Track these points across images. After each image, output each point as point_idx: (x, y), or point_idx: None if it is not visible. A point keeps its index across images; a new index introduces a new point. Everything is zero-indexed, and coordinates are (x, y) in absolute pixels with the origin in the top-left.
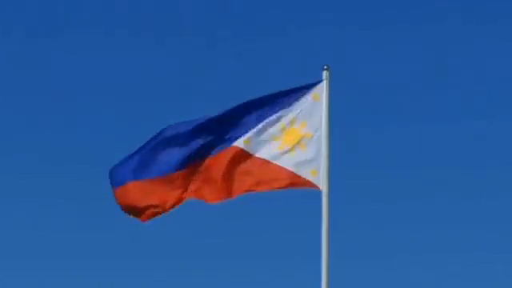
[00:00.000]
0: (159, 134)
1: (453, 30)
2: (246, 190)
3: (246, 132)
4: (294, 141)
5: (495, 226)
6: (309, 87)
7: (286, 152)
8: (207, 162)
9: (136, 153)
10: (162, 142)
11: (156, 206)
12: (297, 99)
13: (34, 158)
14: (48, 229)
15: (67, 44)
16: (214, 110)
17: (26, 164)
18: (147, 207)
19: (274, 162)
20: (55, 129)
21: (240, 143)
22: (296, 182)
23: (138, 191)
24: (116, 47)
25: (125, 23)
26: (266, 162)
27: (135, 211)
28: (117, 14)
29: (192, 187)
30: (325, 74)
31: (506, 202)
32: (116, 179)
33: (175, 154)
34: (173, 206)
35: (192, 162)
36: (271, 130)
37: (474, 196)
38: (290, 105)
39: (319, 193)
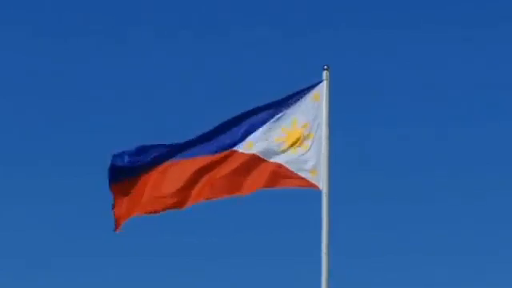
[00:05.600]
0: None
1: (452, 31)
2: (246, 189)
3: (249, 134)
4: (295, 141)
5: (495, 228)
6: (309, 88)
7: (287, 152)
8: (207, 161)
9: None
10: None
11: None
12: (297, 100)
13: (34, 158)
14: (48, 229)
15: (68, 45)
16: (213, 110)
17: (26, 164)
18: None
19: (275, 162)
20: (54, 129)
21: (242, 145)
22: (296, 181)
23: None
24: (116, 47)
25: (125, 22)
26: (266, 162)
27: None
28: (116, 13)
29: (185, 193)
30: (325, 74)
31: (505, 203)
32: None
33: (173, 151)
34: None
35: (188, 158)
36: (272, 131)
37: (475, 197)
38: (290, 105)
39: (319, 193)
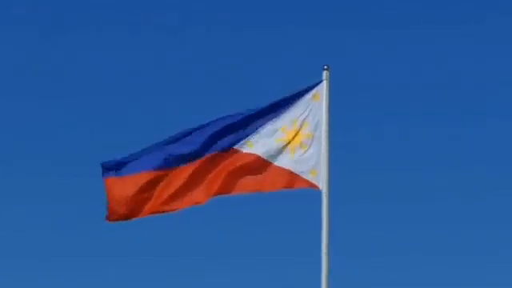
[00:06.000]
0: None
1: (452, 31)
2: (246, 190)
3: (248, 134)
4: (295, 141)
5: (495, 228)
6: (309, 88)
7: (287, 152)
8: (203, 162)
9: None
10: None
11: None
12: (297, 100)
13: (34, 158)
14: (48, 229)
15: (67, 45)
16: (213, 109)
17: (26, 165)
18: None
19: (275, 163)
20: (54, 129)
21: (241, 145)
22: (296, 182)
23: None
24: (116, 47)
25: (124, 22)
26: (266, 163)
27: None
28: (117, 14)
29: (182, 195)
30: (325, 74)
31: (505, 203)
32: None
33: (170, 153)
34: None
35: (185, 163)
36: (272, 131)
37: (475, 197)
38: (290, 105)
39: (319, 193)
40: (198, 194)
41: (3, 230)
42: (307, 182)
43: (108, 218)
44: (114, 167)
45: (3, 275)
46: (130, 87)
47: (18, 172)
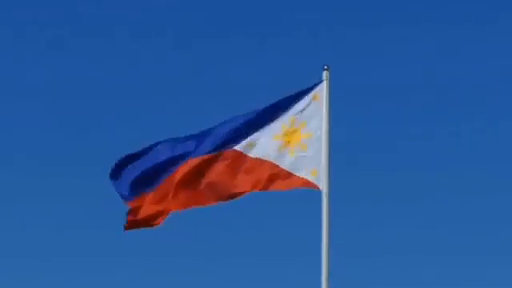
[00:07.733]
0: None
1: (453, 30)
2: (246, 191)
3: (249, 136)
4: (295, 141)
5: (495, 228)
6: (309, 88)
7: (287, 152)
8: (204, 162)
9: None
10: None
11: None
12: (297, 100)
13: (34, 158)
14: (48, 229)
15: (66, 45)
16: (213, 109)
17: (26, 164)
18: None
19: (275, 163)
20: (54, 129)
21: (241, 146)
22: (296, 182)
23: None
24: (115, 49)
25: (126, 25)
26: (266, 163)
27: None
28: (118, 17)
29: (182, 197)
30: (325, 74)
31: (505, 203)
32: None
33: (167, 157)
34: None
35: (183, 163)
36: (272, 131)
37: (475, 197)
38: (290, 106)
39: (319, 193)
40: (200, 197)
41: (3, 230)
42: (307, 182)
43: (126, 227)
44: (130, 188)
45: (3, 275)
46: (130, 89)
47: (18, 172)
